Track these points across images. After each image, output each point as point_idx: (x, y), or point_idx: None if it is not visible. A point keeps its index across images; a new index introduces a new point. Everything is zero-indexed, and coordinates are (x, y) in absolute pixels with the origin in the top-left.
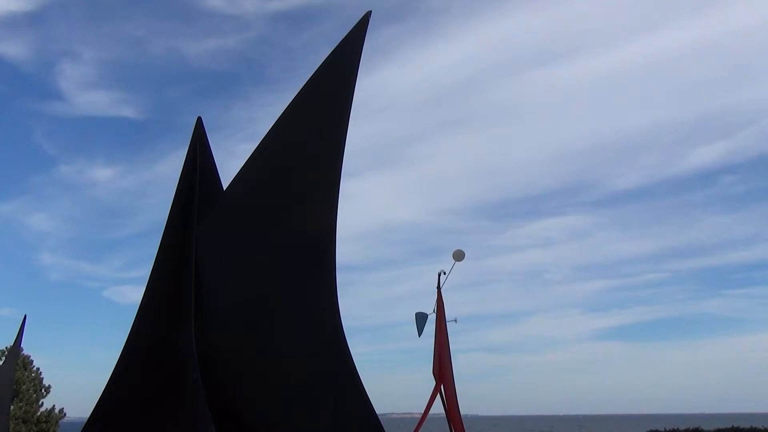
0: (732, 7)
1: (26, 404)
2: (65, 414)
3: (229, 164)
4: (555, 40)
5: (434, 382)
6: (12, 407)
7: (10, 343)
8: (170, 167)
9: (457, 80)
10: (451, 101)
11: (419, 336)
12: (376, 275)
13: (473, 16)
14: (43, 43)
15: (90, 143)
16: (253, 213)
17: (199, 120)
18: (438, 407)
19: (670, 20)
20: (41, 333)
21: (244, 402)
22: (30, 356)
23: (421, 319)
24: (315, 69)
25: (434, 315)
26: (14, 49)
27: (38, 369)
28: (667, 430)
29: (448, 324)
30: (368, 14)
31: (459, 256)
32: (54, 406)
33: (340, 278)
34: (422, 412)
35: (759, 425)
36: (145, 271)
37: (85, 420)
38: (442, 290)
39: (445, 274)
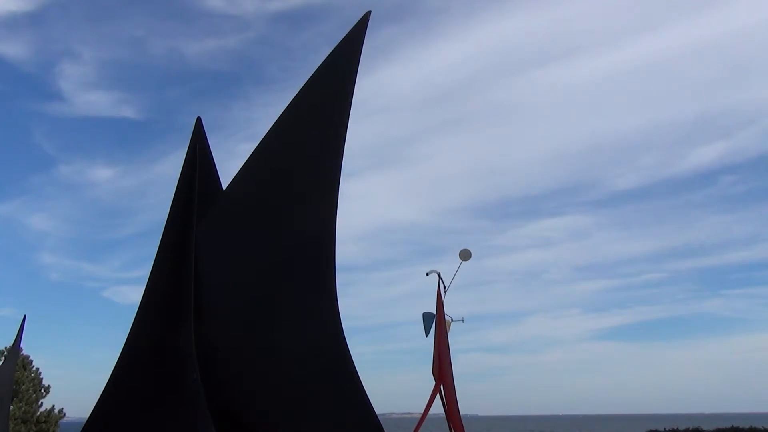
0: (732, 7)
1: (26, 404)
2: (65, 414)
3: (228, 164)
4: (555, 40)
5: (434, 382)
6: (11, 407)
7: (10, 343)
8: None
9: (457, 80)
10: (451, 101)
11: (426, 336)
12: (376, 275)
13: (473, 16)
14: (43, 43)
15: (90, 143)
16: (253, 213)
17: (199, 120)
18: (438, 407)
19: (671, 20)
20: (41, 333)
21: (244, 402)
22: (30, 356)
23: (428, 319)
24: (315, 69)
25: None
26: (14, 49)
27: (38, 369)
28: (667, 430)
29: (456, 323)
30: (368, 14)
31: (466, 255)
32: (53, 406)
33: (340, 278)
34: (422, 412)
35: (759, 425)
36: (145, 271)
37: (85, 420)
38: (447, 290)
39: (428, 275)
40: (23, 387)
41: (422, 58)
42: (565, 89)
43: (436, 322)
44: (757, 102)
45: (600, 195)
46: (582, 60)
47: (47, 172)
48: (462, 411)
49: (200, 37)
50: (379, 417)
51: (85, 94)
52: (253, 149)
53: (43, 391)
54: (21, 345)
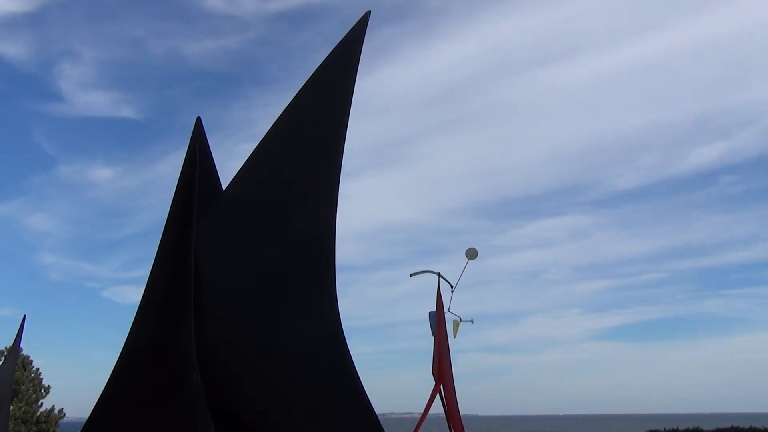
0: (732, 7)
1: (26, 404)
2: (65, 414)
3: (228, 164)
4: (555, 40)
5: (434, 382)
6: (11, 407)
7: (10, 343)
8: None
9: (457, 80)
10: (451, 101)
11: (433, 335)
12: (376, 275)
13: (473, 16)
14: (43, 43)
15: (90, 143)
16: (253, 213)
17: (199, 120)
18: (438, 407)
19: (671, 20)
20: (41, 333)
21: (243, 402)
22: (30, 356)
23: (435, 318)
24: (314, 69)
25: (448, 314)
26: (14, 49)
27: (38, 369)
28: (667, 430)
29: (464, 324)
30: (368, 14)
31: (472, 254)
32: (53, 406)
33: (340, 278)
34: (422, 412)
35: (759, 425)
36: (145, 271)
37: (85, 420)
38: (455, 289)
39: (412, 276)
40: (23, 387)
41: (422, 58)
42: (565, 89)
43: (437, 322)
44: (757, 102)
45: (600, 195)
46: (582, 60)
47: (47, 172)
48: (462, 411)
49: (200, 37)
50: (379, 417)
51: (85, 94)
52: (253, 149)
53: (43, 391)
54: (21, 345)
